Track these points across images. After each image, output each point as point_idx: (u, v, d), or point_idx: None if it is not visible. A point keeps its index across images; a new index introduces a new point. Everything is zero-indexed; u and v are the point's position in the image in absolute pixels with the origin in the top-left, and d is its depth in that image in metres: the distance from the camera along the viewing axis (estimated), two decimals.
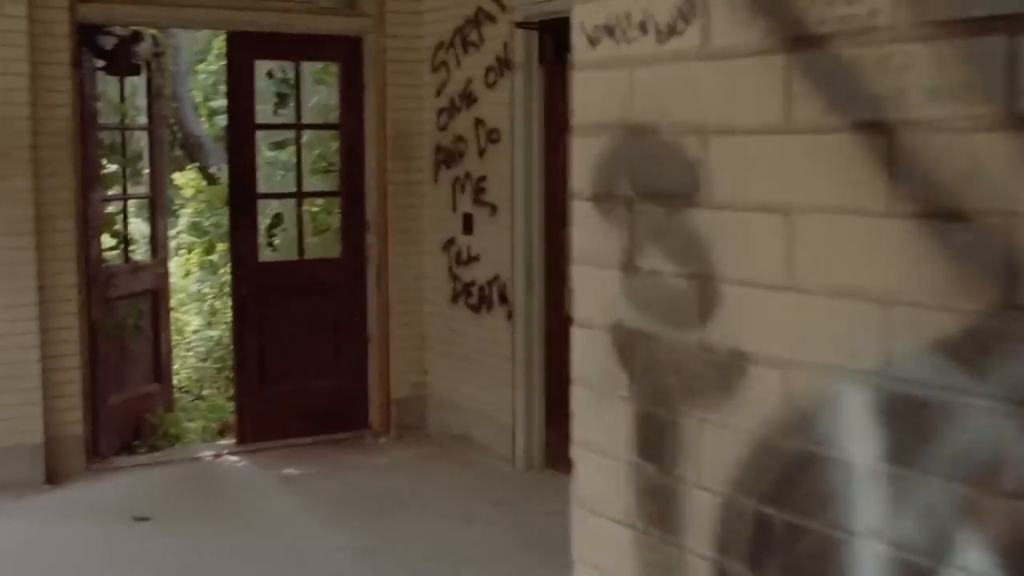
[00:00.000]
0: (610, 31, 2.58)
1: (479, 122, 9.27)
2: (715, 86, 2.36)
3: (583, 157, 2.71)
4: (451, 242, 9.69)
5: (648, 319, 2.55)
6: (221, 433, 10.54)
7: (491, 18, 9.02)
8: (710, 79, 2.37)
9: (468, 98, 9.39)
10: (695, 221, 2.41)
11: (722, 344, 2.38)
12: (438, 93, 9.71)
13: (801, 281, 2.20)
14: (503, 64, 8.92)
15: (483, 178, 9.26)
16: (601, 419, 2.71)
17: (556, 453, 8.67)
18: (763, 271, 2.28)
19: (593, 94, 2.68)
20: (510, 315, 9.00)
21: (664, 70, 2.46)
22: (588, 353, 2.74)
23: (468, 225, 9.47)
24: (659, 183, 2.51)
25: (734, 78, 2.31)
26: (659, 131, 2.49)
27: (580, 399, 2.78)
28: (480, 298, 9.41)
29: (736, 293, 2.35)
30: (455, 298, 9.71)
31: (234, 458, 9.51)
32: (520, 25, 8.64)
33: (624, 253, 2.59)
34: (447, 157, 9.69)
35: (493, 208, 9.16)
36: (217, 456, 9.56)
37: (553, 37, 8.52)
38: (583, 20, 2.67)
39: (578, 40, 2.69)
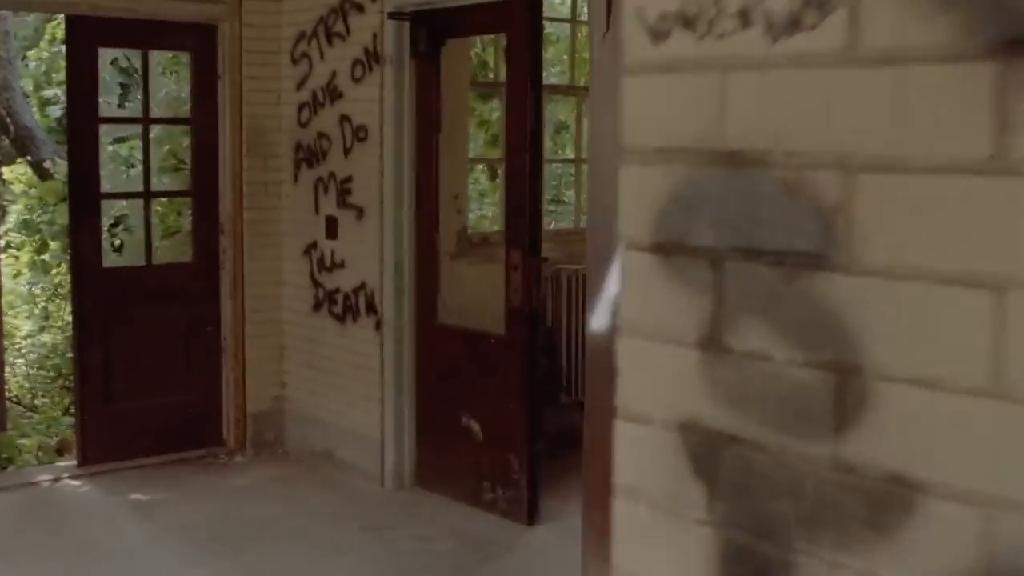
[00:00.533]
0: (687, 21, 1.87)
1: (345, 119, 8.56)
2: (869, 104, 1.68)
3: (638, 192, 1.98)
4: (313, 246, 8.97)
5: (744, 419, 1.86)
6: (59, 452, 9.67)
7: (359, 7, 8.34)
8: (861, 94, 1.69)
9: (332, 93, 8.69)
10: (830, 290, 1.74)
11: (873, 464, 1.72)
12: (299, 87, 8.97)
13: (1018, 387, 1.54)
14: (372, 57, 8.24)
15: (349, 179, 8.57)
16: (663, 546, 2.00)
17: (428, 471, 8.10)
18: (950, 368, 1.62)
19: (656, 107, 1.95)
20: (378, 325, 8.36)
21: (781, 78, 1.77)
22: (642, 457, 2.02)
23: (332, 229, 8.78)
24: (768, 235, 1.82)
25: (903, 94, 1.63)
26: (770, 163, 1.80)
27: (628, 516, 2.06)
28: (345, 307, 8.74)
29: (900, 395, 1.68)
30: (317, 306, 9.02)
31: (76, 482, 8.64)
32: (392, 16, 7.99)
33: (705, 326, 1.90)
34: (309, 155, 8.97)
35: (360, 211, 8.48)
36: (57, 480, 8.68)
37: (427, 28, 7.91)
38: (642, 5, 1.94)
39: (634, 33, 1.95)
